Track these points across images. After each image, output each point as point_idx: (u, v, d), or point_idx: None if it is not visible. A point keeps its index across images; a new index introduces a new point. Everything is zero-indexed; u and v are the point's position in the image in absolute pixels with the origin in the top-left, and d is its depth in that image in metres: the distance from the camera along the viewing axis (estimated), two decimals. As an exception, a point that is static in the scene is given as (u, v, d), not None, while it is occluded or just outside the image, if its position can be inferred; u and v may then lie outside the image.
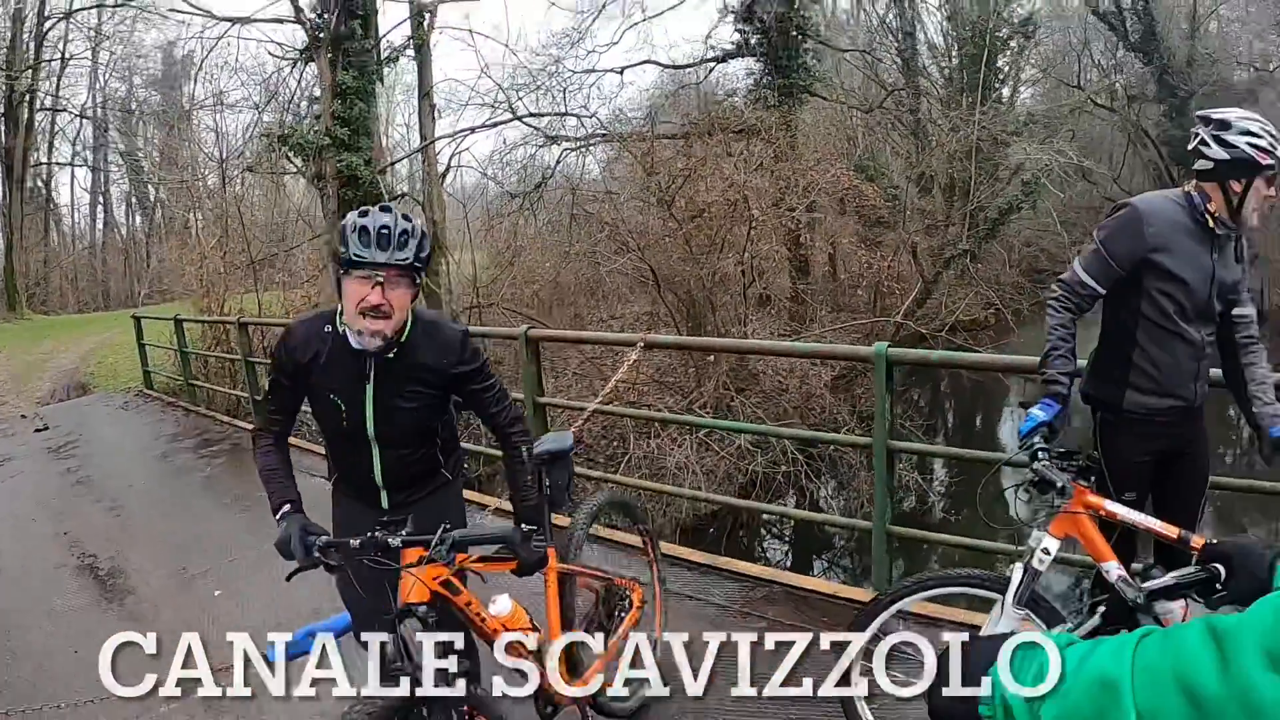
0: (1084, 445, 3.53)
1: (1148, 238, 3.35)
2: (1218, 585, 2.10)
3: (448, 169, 21.46)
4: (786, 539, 14.08)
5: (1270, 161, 3.21)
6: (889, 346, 5.31)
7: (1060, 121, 28.54)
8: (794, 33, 21.76)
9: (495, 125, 21.60)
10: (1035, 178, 24.57)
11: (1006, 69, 27.30)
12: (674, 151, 17.31)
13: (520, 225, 21.17)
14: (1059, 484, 3.14)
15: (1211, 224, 3.34)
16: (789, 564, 12.81)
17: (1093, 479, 3.27)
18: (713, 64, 23.59)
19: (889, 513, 5.38)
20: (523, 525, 3.18)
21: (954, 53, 26.99)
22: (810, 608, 5.13)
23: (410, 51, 20.91)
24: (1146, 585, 2.91)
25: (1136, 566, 3.39)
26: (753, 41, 22.10)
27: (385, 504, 3.33)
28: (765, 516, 14.40)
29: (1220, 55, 34.60)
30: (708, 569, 5.77)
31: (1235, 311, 3.51)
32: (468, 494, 5.38)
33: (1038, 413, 3.40)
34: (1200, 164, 3.33)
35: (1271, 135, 3.21)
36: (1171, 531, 3.12)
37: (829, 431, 14.59)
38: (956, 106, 24.56)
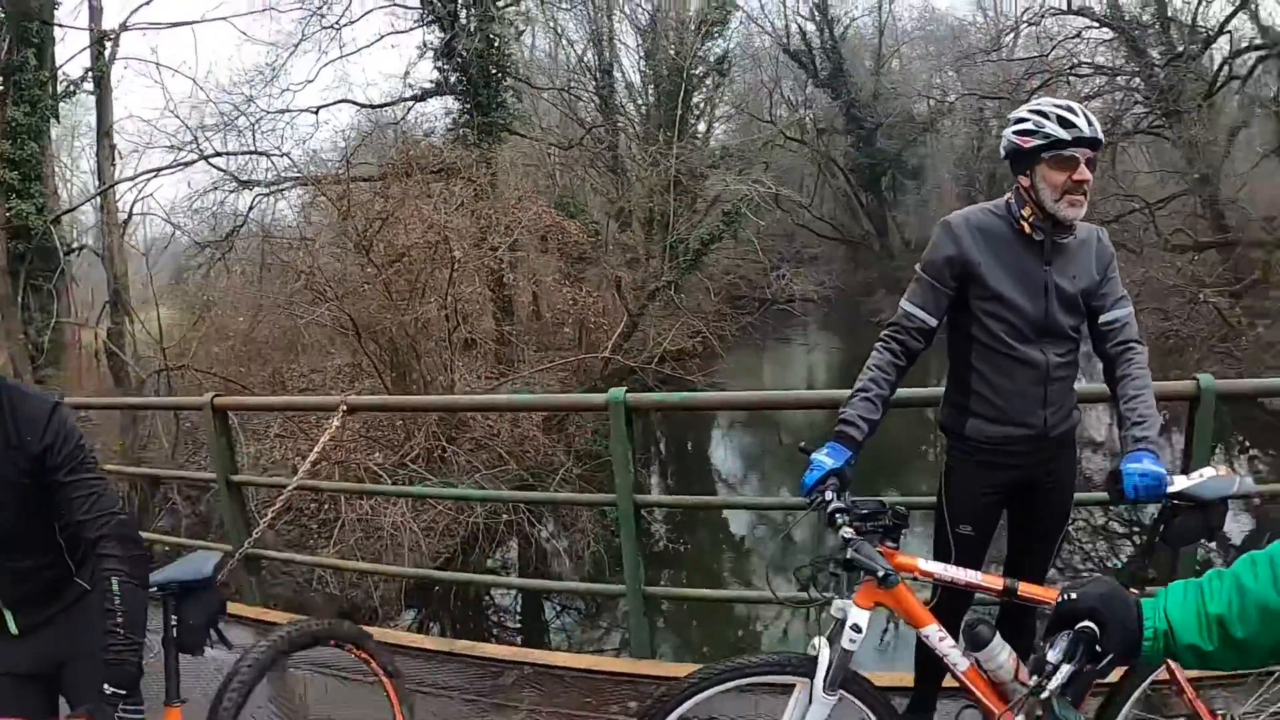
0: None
1: (960, 251, 3.16)
2: (1097, 647, 1.84)
3: (129, 217, 20.00)
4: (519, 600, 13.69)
5: (1036, 143, 2.99)
6: (626, 392, 4.79)
7: (755, 154, 29.73)
8: (494, 70, 21.67)
9: (181, 167, 20.33)
10: (735, 208, 25.39)
11: (702, 105, 28.25)
12: (371, 193, 16.83)
13: (211, 278, 20.00)
14: (879, 570, 2.77)
15: (1028, 229, 3.12)
16: (529, 634, 12.29)
17: (901, 536, 2.95)
18: (411, 103, 23.21)
19: (643, 574, 5.05)
20: (105, 687, 2.41)
21: (650, 90, 27.72)
22: (568, 688, 4.70)
23: (89, 85, 19.31)
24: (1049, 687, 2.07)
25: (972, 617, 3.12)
26: (452, 80, 21.83)
27: (14, 628, 2.71)
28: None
29: (903, 89, 37.37)
30: (445, 656, 5.19)
31: (1102, 319, 3.24)
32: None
33: (824, 459, 3.08)
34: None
35: (1039, 114, 3.00)
36: (996, 584, 2.93)
37: (549, 474, 14.64)
38: (654, 142, 25.17)
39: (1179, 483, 2.85)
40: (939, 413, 3.47)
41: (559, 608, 12.55)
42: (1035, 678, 1.87)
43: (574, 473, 14.86)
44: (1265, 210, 23.00)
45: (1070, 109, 2.98)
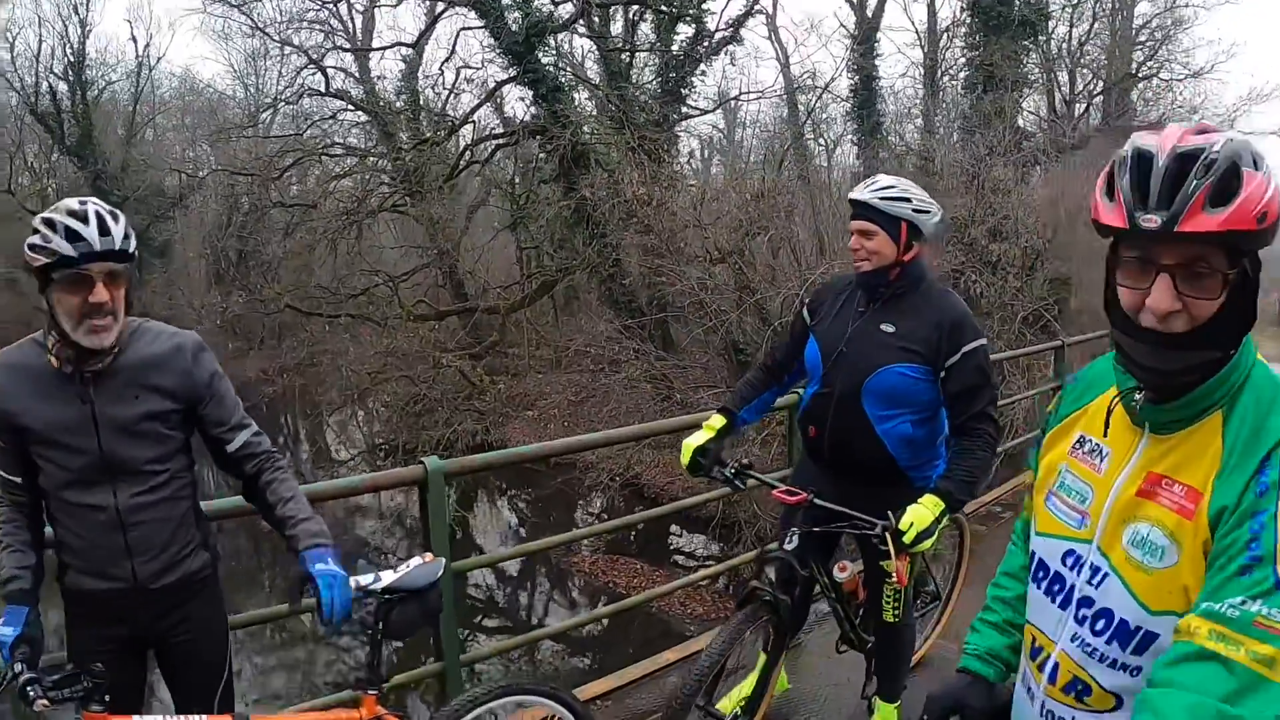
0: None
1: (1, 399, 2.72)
2: None
3: None
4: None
5: (43, 261, 2.53)
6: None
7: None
8: None
9: None
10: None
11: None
12: None
13: None
14: None
15: (57, 363, 2.69)
16: None
17: (108, 698, 2.58)
18: None
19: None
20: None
21: None
22: None
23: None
24: None
25: None
26: None
27: None
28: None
29: (155, 161, 36.03)
30: None
31: (231, 449, 2.94)
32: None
33: (2, 631, 2.61)
34: None
35: (48, 224, 2.52)
36: None
37: None
38: None
39: (386, 577, 2.87)
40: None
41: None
42: None
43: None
44: (500, 279, 25.72)
45: (81, 216, 2.56)
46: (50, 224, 2.53)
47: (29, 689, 2.51)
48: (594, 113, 23.39)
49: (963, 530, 5.05)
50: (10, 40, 35.22)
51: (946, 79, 24.70)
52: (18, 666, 2.57)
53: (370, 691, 2.93)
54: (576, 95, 23.27)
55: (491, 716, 3.38)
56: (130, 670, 2.96)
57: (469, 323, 24.10)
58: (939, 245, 15.15)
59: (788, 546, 3.65)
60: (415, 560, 2.99)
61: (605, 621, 12.26)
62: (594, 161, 21.25)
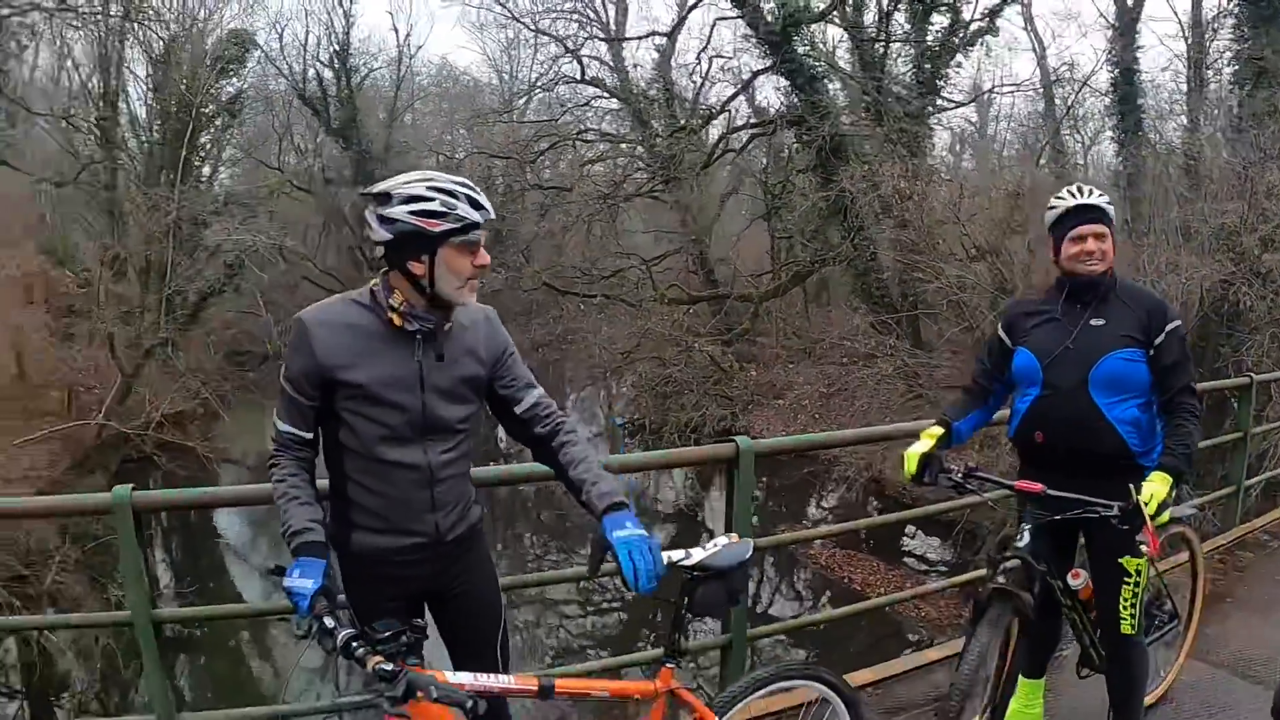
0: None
1: (319, 355, 2.81)
2: None
3: None
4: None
5: (445, 226, 2.73)
6: (133, 489, 3.89)
7: (260, 202, 28.81)
8: (-16, 89, 19.52)
9: None
10: (238, 258, 24.47)
11: (209, 146, 27.14)
12: None
13: None
14: (466, 701, 2.49)
15: (399, 320, 2.84)
16: None
17: (422, 649, 2.68)
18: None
19: (172, 699, 4.22)
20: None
21: (156, 126, 26.22)
22: None
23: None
24: None
25: None
26: (-65, 96, 19.40)
27: None
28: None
29: (414, 144, 37.80)
30: None
31: (519, 409, 3.08)
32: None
33: (302, 582, 2.71)
34: (376, 252, 2.83)
35: (446, 193, 2.73)
36: (531, 684, 2.79)
37: (45, 559, 13.23)
38: (156, 184, 23.73)
39: (695, 555, 2.93)
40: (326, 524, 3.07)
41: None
42: None
43: (72, 558, 13.51)
44: (750, 268, 26.07)
45: (470, 187, 2.82)
46: (450, 192, 2.72)
47: (354, 645, 2.58)
48: (846, 104, 23.60)
49: (1192, 547, 4.86)
50: (279, 31, 37.84)
51: (1212, 73, 23.54)
52: (328, 622, 2.64)
53: (668, 664, 3.00)
54: (830, 86, 23.41)
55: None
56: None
57: (720, 309, 24.65)
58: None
59: (1019, 544, 3.68)
60: (722, 540, 3.03)
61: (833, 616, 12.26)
62: (852, 153, 21.49)
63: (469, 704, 2.49)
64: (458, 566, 3.08)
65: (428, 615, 3.10)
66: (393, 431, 2.86)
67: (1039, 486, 3.61)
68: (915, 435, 3.97)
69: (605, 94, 27.63)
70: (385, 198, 2.72)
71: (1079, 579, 3.84)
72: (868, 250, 21.07)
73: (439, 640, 3.12)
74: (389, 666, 2.49)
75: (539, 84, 30.10)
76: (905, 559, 16.22)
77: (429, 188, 2.71)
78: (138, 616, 4.06)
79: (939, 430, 3.95)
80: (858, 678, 4.93)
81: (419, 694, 2.49)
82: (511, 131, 28.93)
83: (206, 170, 28.35)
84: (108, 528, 14.87)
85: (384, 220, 2.72)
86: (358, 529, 2.96)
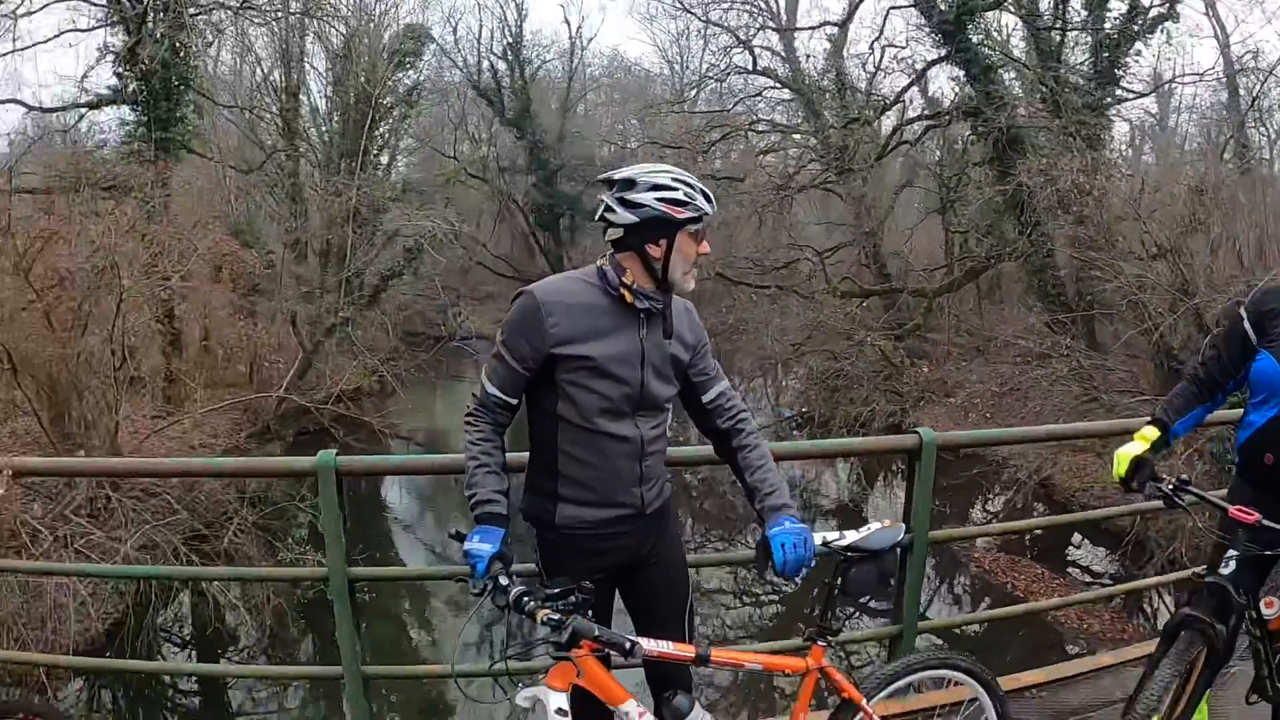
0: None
1: (549, 329, 2.95)
2: None
3: None
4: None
5: (687, 214, 2.93)
6: (337, 454, 4.31)
7: (436, 190, 29.66)
8: (176, 82, 20.58)
9: None
10: (417, 243, 25.24)
11: (387, 136, 28.02)
12: (34, 208, 15.46)
13: None
14: (625, 643, 2.72)
15: (630, 298, 3.01)
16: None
17: (590, 613, 2.80)
18: (85, 109, 21.52)
19: (361, 655, 4.57)
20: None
21: (336, 117, 27.29)
22: None
23: None
24: None
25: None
26: (132, 88, 20.52)
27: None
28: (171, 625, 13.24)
29: (587, 133, 38.44)
30: None
31: (706, 398, 3.22)
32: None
33: (480, 546, 2.94)
34: (611, 233, 3.01)
35: (687, 185, 2.94)
36: (689, 652, 2.95)
37: (223, 521, 13.93)
38: (336, 171, 24.72)
39: (849, 537, 3.05)
40: (522, 501, 3.27)
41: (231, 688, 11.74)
42: None
43: (249, 520, 14.18)
44: (923, 262, 25.76)
45: (699, 183, 3.02)
46: (690, 185, 2.95)
47: (525, 599, 2.79)
48: (1022, 95, 23.08)
49: None
50: (454, 25, 39.46)
51: None
52: (502, 580, 2.85)
53: (820, 643, 3.12)
54: (1005, 76, 22.86)
55: (911, 687, 3.49)
56: (602, 604, 3.12)
57: (893, 303, 24.42)
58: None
59: (1224, 571, 3.42)
60: (875, 524, 3.14)
61: (986, 623, 12.49)
62: (1029, 146, 20.99)
63: (628, 644, 2.72)
64: (654, 539, 3.23)
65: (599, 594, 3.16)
66: (612, 404, 3.01)
67: (1255, 516, 3.28)
68: (1107, 435, 3.71)
69: (777, 84, 27.53)
70: (630, 184, 2.94)
71: (1272, 608, 3.56)
72: (1044, 247, 20.50)
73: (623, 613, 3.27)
74: (556, 616, 2.70)
75: (710, 74, 30.19)
76: (1069, 568, 15.70)
77: (673, 179, 2.94)
78: (334, 573, 4.42)
79: (1155, 432, 3.62)
80: (1025, 678, 4.96)
81: (582, 642, 2.73)
82: (683, 121, 29.16)
83: (384, 158, 29.17)
84: (284, 494, 15.89)
85: (627, 204, 2.93)
86: (564, 501, 3.10)
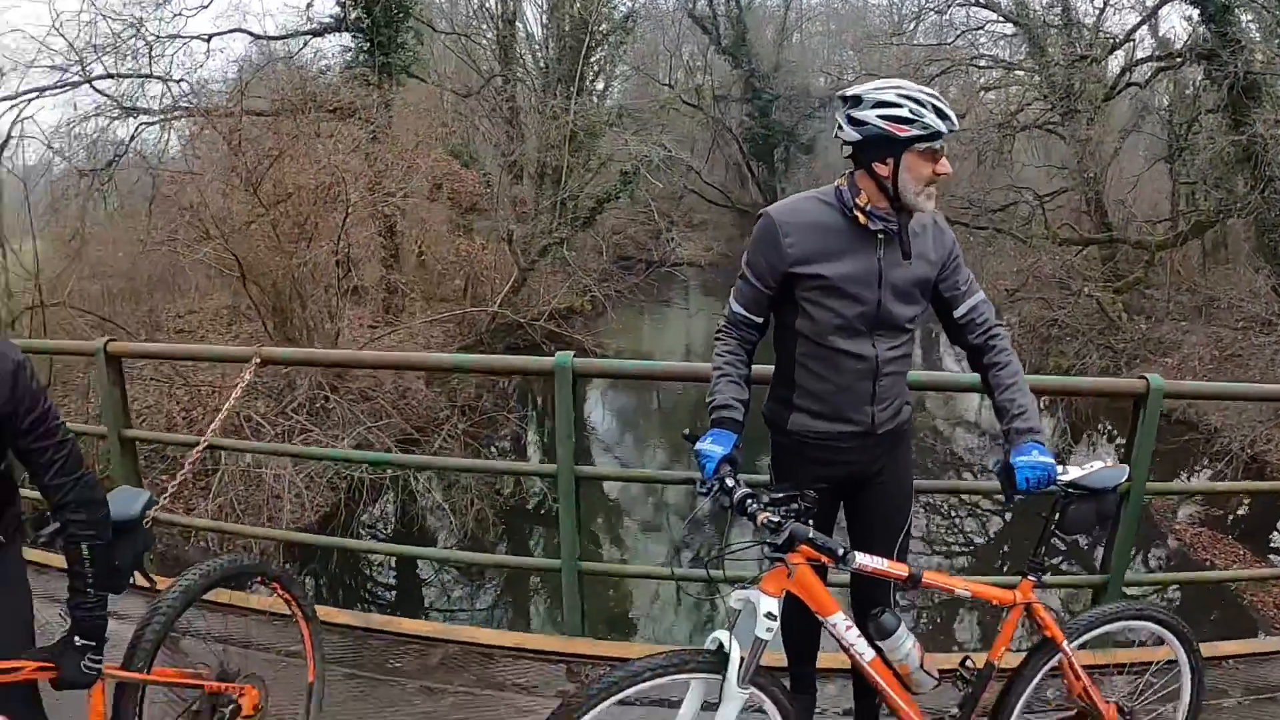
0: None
1: (785, 249, 3.04)
2: None
3: (8, 139, 19.06)
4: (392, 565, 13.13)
5: (912, 133, 2.87)
6: (574, 357, 4.60)
7: (651, 116, 29.99)
8: (396, 10, 21.52)
9: (65, 88, 19.50)
10: (634, 168, 25.63)
11: (602, 63, 28.38)
12: (263, 129, 16.48)
13: (90, 209, 19.12)
14: (839, 550, 2.82)
15: (864, 219, 3.02)
16: (408, 602, 11.91)
17: (810, 522, 2.85)
18: (309, 37, 22.79)
19: (579, 550, 4.85)
20: (75, 639, 2.59)
21: (551, 44, 27.72)
22: (500, 668, 4.50)
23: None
24: None
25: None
26: (353, 16, 21.58)
27: None
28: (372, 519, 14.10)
29: (803, 64, 38.02)
30: (361, 632, 4.83)
31: (958, 312, 3.20)
32: (39, 556, 4.55)
33: (712, 448, 3.01)
34: (844, 150, 3.04)
35: (915, 101, 2.87)
36: (901, 570, 2.96)
37: (433, 428, 14.68)
38: (552, 96, 25.32)
39: (1072, 473, 2.99)
40: (765, 404, 3.40)
41: (437, 576, 12.40)
42: None
43: (459, 428, 14.93)
44: (1146, 213, 24.39)
45: (938, 98, 2.93)
46: (919, 101, 2.86)
47: (748, 502, 2.81)
48: (1261, 39, 21.69)
49: None
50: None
51: None
52: (729, 482, 2.88)
53: (1029, 577, 3.10)
54: (1244, 17, 21.17)
55: (1110, 639, 3.42)
56: (825, 514, 3.24)
57: (1112, 254, 23.34)
58: None
59: None
60: (1098, 462, 3.06)
61: (1183, 596, 11.97)
62: (1266, 95, 19.62)
63: (841, 551, 2.82)
64: (883, 458, 3.29)
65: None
66: (847, 322, 3.07)
67: None
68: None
69: (1000, 18, 26.49)
70: (856, 100, 2.93)
71: None
72: (1277, 204, 19.43)
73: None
74: (776, 519, 2.78)
75: (931, 6, 29.39)
76: (1272, 555, 14.94)
77: (899, 95, 2.88)
78: (563, 470, 4.72)
79: None
80: (1223, 648, 4.81)
81: (799, 546, 2.81)
82: (902, 54, 28.31)
83: (600, 84, 29.39)
84: (494, 404, 16.69)
85: (853, 121, 2.93)
86: (797, 411, 3.24)
